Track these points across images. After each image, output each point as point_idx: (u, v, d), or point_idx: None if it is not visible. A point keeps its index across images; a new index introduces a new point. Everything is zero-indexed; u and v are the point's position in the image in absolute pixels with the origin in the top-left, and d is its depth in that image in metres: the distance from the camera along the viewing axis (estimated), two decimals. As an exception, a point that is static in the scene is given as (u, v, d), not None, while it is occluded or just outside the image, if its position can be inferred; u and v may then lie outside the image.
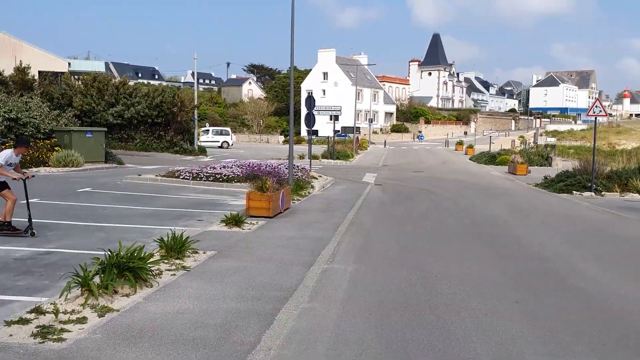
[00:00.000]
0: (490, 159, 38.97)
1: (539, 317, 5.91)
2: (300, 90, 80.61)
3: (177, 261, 7.51)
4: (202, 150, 37.47)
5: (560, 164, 33.85)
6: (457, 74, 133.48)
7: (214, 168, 18.94)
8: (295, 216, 12.77)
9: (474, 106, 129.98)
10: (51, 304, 5.47)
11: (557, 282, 7.46)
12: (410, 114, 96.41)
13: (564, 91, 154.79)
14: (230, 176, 18.09)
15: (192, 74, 60.09)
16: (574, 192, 19.88)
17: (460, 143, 58.39)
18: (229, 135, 51.76)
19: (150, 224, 10.72)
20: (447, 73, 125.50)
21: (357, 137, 54.02)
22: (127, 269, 6.01)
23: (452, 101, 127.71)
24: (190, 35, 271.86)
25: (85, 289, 5.68)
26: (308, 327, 5.37)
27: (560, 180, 21.44)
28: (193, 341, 4.87)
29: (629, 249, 10.39)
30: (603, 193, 19.57)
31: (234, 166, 18.86)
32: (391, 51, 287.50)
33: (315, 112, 27.39)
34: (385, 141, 68.67)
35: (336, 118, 35.01)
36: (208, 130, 52.30)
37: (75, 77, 39.77)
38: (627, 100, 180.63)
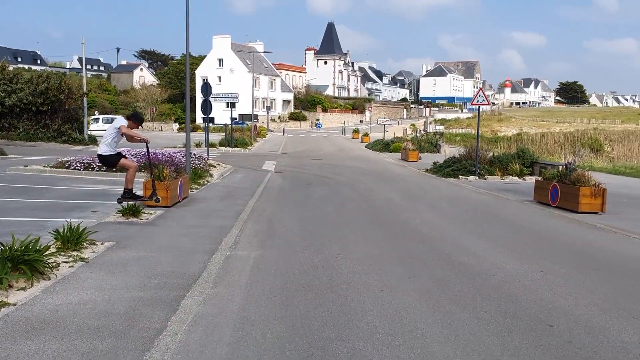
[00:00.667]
0: (385, 146, 40.58)
1: (429, 290, 6.42)
2: (195, 77, 78.85)
3: (75, 253, 7.28)
4: (93, 140, 35.67)
5: (448, 151, 35.99)
6: (352, 64, 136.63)
7: (108, 157, 18.18)
8: (195, 205, 12.70)
9: (369, 95, 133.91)
10: (-63, 302, 5.17)
11: (445, 259, 8.09)
12: (308, 102, 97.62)
13: (451, 81, 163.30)
14: (126, 166, 17.48)
15: (79, 60, 56.96)
16: (460, 176, 21.32)
17: (356, 131, 60.07)
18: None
19: (43, 217, 10.21)
20: (342, 62, 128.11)
21: (256, 125, 53.91)
22: (22, 262, 5.78)
23: (348, 90, 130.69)
24: (75, 18, 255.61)
25: (-24, 284, 5.41)
26: (213, 311, 5.47)
27: (447, 165, 22.88)
28: (98, 330, 4.82)
29: (507, 227, 11.40)
30: (486, 177, 21.15)
31: (128, 155, 18.20)
32: (287, 39, 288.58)
33: (211, 99, 27.05)
34: (283, 129, 69.10)
35: (233, 105, 34.67)
36: (98, 118, 49.70)
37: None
38: (508, 90, 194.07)
